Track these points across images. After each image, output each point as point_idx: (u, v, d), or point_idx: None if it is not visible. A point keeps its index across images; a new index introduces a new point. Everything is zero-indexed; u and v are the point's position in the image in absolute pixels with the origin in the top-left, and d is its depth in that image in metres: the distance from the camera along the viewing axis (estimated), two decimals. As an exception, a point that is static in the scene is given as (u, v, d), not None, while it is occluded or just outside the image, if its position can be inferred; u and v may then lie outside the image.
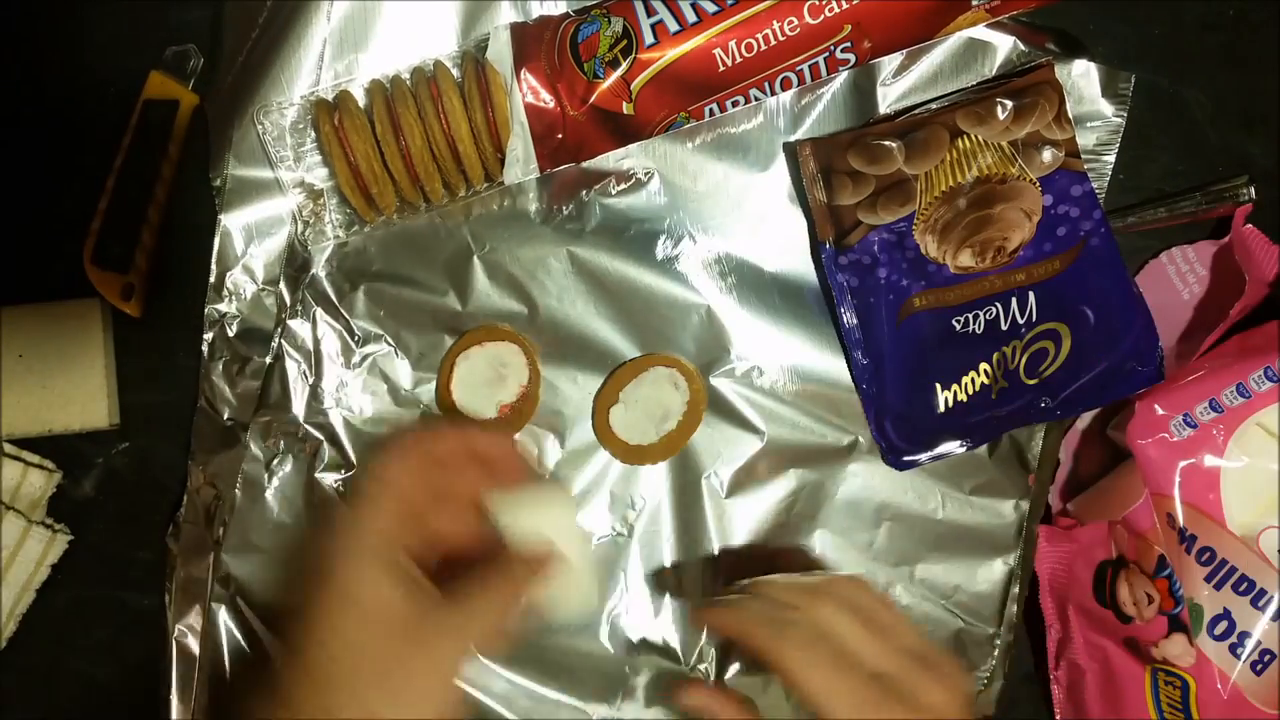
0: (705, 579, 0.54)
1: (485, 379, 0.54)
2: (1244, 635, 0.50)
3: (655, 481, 0.55)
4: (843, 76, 0.53)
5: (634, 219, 0.54)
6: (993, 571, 0.55)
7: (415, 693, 0.38)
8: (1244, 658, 0.50)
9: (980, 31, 0.53)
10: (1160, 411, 0.51)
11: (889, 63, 0.53)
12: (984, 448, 0.55)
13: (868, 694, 0.41)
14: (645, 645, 0.54)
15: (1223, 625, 0.50)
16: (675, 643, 0.54)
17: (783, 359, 0.55)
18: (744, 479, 0.54)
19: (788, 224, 0.54)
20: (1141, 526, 0.51)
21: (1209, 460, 0.51)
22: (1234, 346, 0.53)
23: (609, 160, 0.54)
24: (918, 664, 0.43)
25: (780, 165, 0.54)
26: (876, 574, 0.55)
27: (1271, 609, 0.49)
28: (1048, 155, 0.52)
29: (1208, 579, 0.50)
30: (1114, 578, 0.53)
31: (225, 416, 0.54)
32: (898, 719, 0.41)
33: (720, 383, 0.54)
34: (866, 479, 0.55)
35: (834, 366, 0.55)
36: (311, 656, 0.39)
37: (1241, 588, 0.50)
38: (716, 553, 0.54)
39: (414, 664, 0.38)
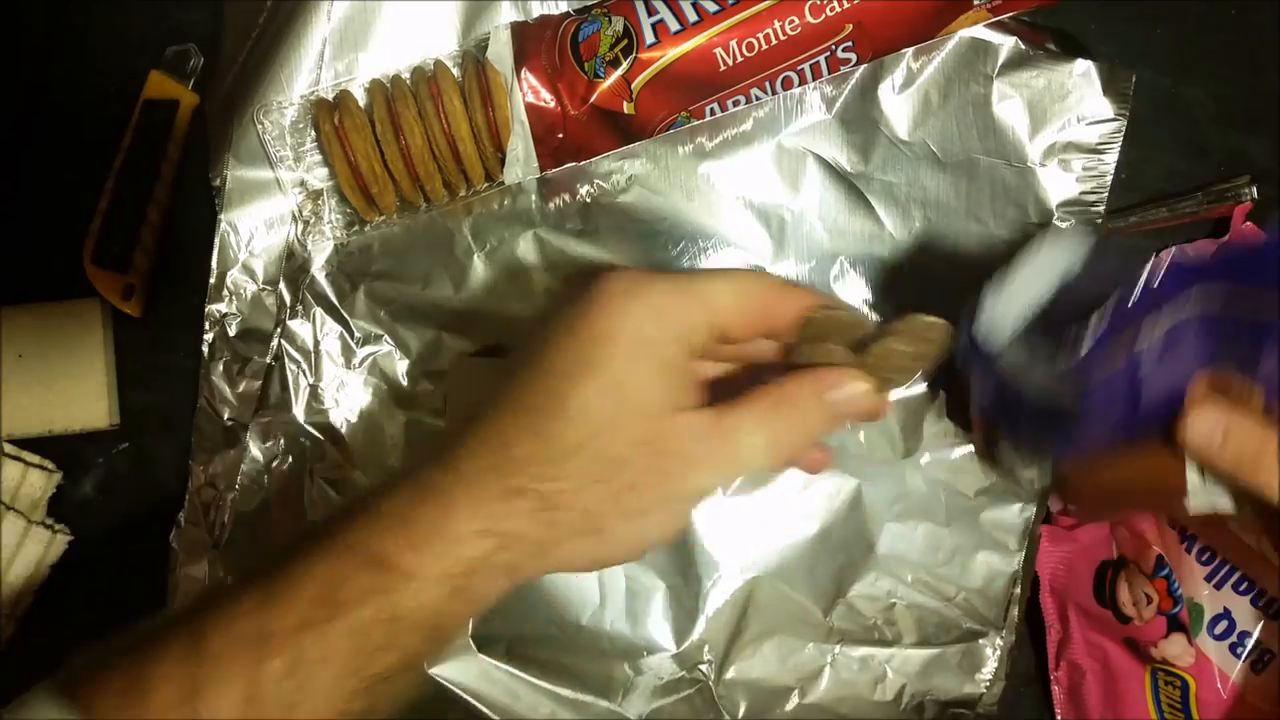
0: (706, 579, 0.54)
1: None
2: (1244, 635, 0.50)
3: (656, 481, 0.54)
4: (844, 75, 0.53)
5: (635, 219, 0.54)
6: (997, 574, 0.55)
7: (642, 507, 0.36)
8: (1244, 657, 0.50)
9: (981, 31, 0.53)
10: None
11: (890, 63, 0.53)
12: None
13: None
14: (646, 643, 0.54)
15: (1223, 625, 0.50)
16: (676, 641, 0.54)
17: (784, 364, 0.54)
18: (746, 479, 0.54)
19: (788, 225, 0.54)
20: (1140, 526, 0.51)
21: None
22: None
23: (610, 160, 0.53)
24: None
25: (781, 168, 0.54)
26: (880, 577, 0.55)
27: (1272, 609, 0.49)
28: None
29: (1208, 579, 0.50)
30: (1114, 578, 0.53)
31: (225, 416, 0.54)
32: None
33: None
34: (869, 480, 0.55)
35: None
36: (555, 426, 0.35)
37: (1242, 587, 0.50)
38: (718, 552, 0.54)
39: (649, 486, 0.36)
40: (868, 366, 0.38)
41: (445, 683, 0.53)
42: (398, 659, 0.34)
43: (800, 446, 0.38)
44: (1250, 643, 0.50)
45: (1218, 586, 0.50)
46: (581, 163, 0.53)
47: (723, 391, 0.39)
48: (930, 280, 0.54)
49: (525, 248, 0.54)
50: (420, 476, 0.36)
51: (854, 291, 0.54)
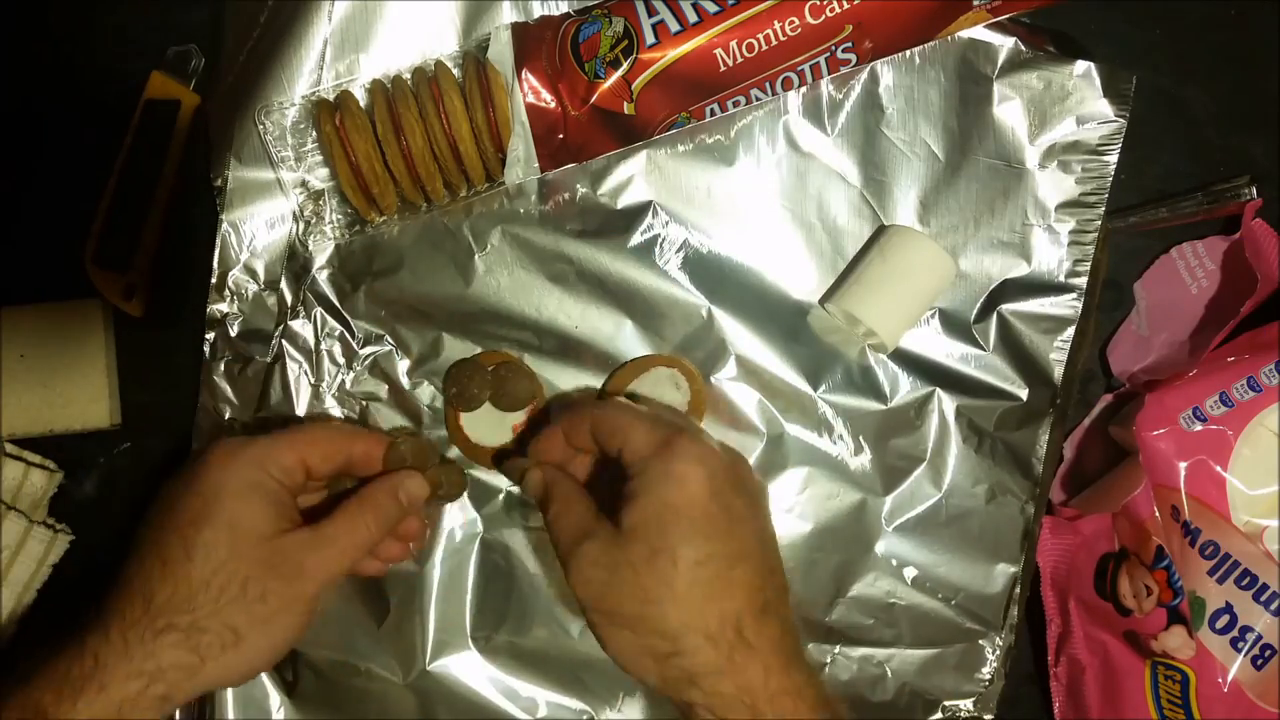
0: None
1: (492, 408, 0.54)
2: (1245, 630, 0.50)
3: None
4: (843, 75, 0.53)
5: (635, 220, 0.54)
6: (997, 573, 0.55)
7: (270, 611, 0.44)
8: (1245, 652, 0.50)
9: (981, 32, 0.53)
10: (1170, 404, 0.52)
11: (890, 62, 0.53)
12: (987, 449, 0.54)
13: (686, 428, 0.45)
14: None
15: (1225, 619, 0.50)
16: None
17: (783, 361, 0.54)
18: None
19: (788, 226, 0.54)
20: (1141, 515, 0.51)
21: (1216, 454, 0.51)
22: (1245, 342, 0.53)
23: (610, 161, 0.54)
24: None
25: (781, 170, 0.54)
26: (878, 575, 0.55)
27: (1274, 604, 0.49)
28: None
29: (1210, 573, 0.51)
30: (1115, 570, 0.53)
31: (226, 416, 0.54)
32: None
33: (721, 383, 0.54)
34: (870, 481, 0.55)
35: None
36: (184, 569, 0.43)
37: (1244, 582, 0.50)
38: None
39: (271, 587, 0.44)
40: (428, 476, 0.50)
41: (444, 683, 0.53)
42: None
43: (381, 532, 0.47)
44: (1252, 637, 0.50)
45: (1220, 581, 0.50)
46: (582, 163, 0.53)
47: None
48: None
49: (525, 248, 0.54)
50: (80, 638, 0.43)
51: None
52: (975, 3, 0.52)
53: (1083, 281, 0.54)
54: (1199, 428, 0.52)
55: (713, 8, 0.50)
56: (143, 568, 0.44)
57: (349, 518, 0.47)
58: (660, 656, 0.42)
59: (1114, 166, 0.54)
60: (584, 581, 0.43)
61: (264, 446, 0.46)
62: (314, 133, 0.54)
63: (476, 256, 0.54)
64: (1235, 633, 0.50)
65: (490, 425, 0.54)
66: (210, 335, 0.54)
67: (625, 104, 0.51)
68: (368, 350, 0.54)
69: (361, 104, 0.52)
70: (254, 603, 0.44)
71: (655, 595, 0.42)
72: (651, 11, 0.51)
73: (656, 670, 0.42)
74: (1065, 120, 0.54)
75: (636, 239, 0.54)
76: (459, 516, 0.54)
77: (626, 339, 0.54)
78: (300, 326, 0.54)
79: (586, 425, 0.47)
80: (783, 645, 0.43)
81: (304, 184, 0.54)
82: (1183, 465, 0.51)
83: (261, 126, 0.54)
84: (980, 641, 0.55)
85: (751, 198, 0.54)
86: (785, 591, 0.45)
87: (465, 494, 0.54)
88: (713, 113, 0.53)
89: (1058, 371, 0.54)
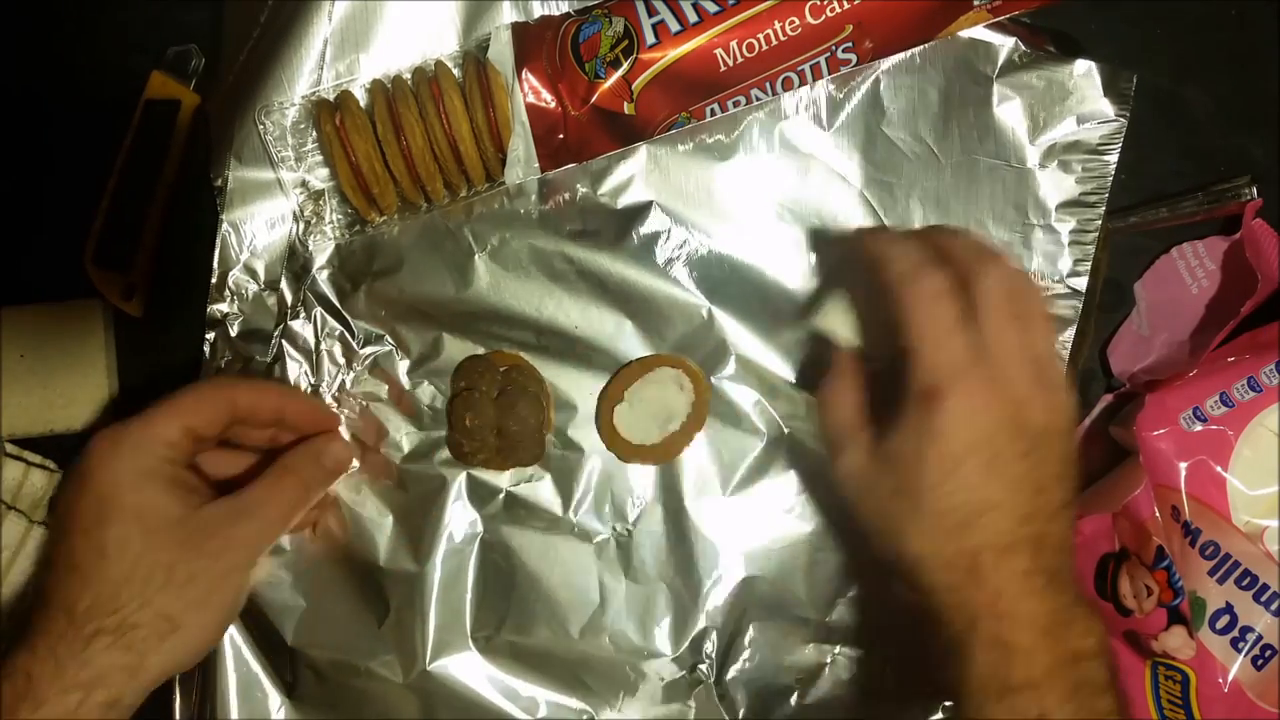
0: (706, 579, 0.54)
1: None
2: (1246, 630, 0.50)
3: (657, 482, 0.55)
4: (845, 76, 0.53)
5: (635, 220, 0.54)
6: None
7: (202, 591, 0.43)
8: (1245, 652, 0.50)
9: (981, 32, 0.53)
10: (1170, 404, 0.52)
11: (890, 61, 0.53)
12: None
13: (972, 371, 0.42)
14: (646, 645, 0.54)
15: (1225, 619, 0.50)
16: (676, 643, 0.54)
17: (783, 361, 0.55)
18: (745, 480, 0.54)
19: (788, 228, 0.54)
20: (1141, 516, 0.51)
21: (1216, 454, 0.51)
22: (1245, 342, 0.53)
23: (610, 161, 0.54)
24: (1033, 375, 0.43)
25: (782, 170, 0.54)
26: (878, 574, 0.55)
27: (1275, 604, 0.49)
28: None
29: (1211, 573, 0.51)
30: (1115, 570, 0.53)
31: (226, 416, 0.54)
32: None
33: (721, 384, 0.54)
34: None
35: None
36: (100, 571, 0.42)
37: (1245, 582, 0.50)
38: (718, 552, 0.54)
39: (198, 566, 0.43)
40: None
41: (445, 683, 0.53)
42: None
43: (305, 498, 0.47)
44: (1252, 638, 0.50)
45: (1220, 581, 0.50)
46: (582, 163, 0.53)
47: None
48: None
49: (525, 248, 0.54)
50: (12, 660, 0.42)
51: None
52: (975, 3, 0.52)
53: (1083, 281, 0.54)
54: (1199, 428, 0.52)
55: (713, 8, 0.50)
56: (59, 580, 0.43)
57: (269, 485, 0.46)
58: (902, 567, 0.43)
59: (1114, 166, 0.54)
60: (843, 487, 0.45)
61: (142, 427, 0.44)
62: (314, 133, 0.54)
63: (476, 256, 0.54)
64: (1235, 633, 0.50)
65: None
66: (210, 335, 0.54)
67: (625, 104, 0.51)
68: (368, 350, 0.54)
69: (362, 104, 0.52)
70: (184, 586, 0.42)
71: (895, 526, 0.43)
72: (652, 11, 0.51)
73: (899, 570, 0.44)
74: (1065, 120, 0.54)
75: (637, 239, 0.54)
76: (459, 516, 0.54)
77: (627, 339, 0.54)
78: (300, 326, 0.54)
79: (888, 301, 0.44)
80: (1027, 575, 0.42)
81: (304, 184, 0.54)
82: (1183, 465, 0.51)
83: (261, 126, 0.54)
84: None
85: (752, 198, 0.54)
86: (1047, 525, 0.42)
87: (466, 494, 0.54)
88: (713, 112, 0.53)
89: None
